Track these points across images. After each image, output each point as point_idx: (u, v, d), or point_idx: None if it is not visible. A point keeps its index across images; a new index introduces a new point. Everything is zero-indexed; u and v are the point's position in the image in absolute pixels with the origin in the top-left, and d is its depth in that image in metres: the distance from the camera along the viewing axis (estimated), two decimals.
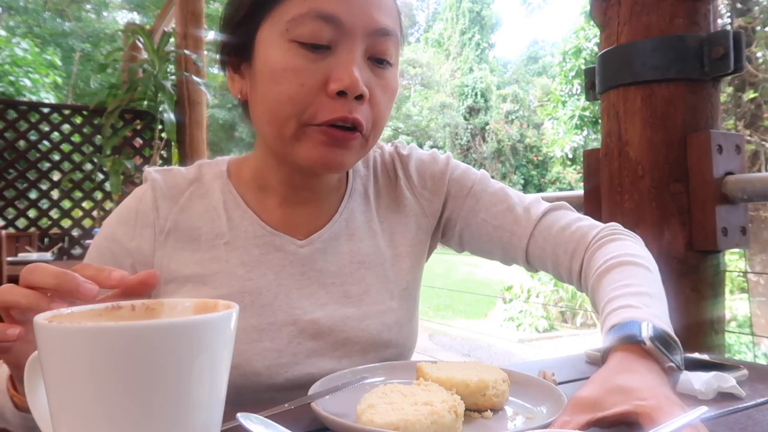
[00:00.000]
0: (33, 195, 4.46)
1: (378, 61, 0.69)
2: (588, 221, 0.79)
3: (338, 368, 0.71)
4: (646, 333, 0.53)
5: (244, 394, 0.70)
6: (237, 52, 0.73)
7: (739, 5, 4.94)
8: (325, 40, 0.65)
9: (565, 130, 9.61)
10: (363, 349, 0.75)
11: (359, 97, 0.66)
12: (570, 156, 10.02)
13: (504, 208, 0.81)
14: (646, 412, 0.45)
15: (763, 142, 4.87)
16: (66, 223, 4.49)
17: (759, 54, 4.99)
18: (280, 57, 0.66)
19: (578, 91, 9.12)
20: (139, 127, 4.48)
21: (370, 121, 0.69)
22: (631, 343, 0.53)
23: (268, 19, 0.68)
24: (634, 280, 0.64)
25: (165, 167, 0.79)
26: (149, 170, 0.77)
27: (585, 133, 9.25)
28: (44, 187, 4.47)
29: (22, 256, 3.35)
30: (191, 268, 0.72)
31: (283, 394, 0.71)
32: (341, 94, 0.65)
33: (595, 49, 8.11)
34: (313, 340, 0.73)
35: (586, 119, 8.99)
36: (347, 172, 0.83)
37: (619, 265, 0.67)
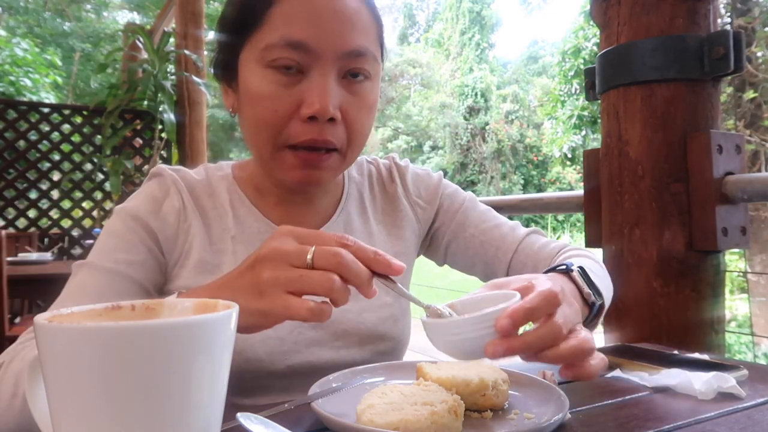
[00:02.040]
0: (33, 195, 4.46)
1: (353, 75, 0.71)
2: (561, 242, 0.88)
3: (337, 358, 0.76)
4: (575, 267, 0.66)
5: (246, 379, 0.72)
6: (225, 71, 0.77)
7: (739, 5, 4.94)
8: (296, 66, 0.68)
9: (564, 130, 9.61)
10: (360, 341, 0.79)
11: (331, 120, 0.69)
12: (569, 156, 10.03)
13: (492, 225, 0.89)
14: (532, 285, 0.54)
15: (763, 142, 4.87)
16: (66, 223, 4.49)
17: (759, 54, 4.99)
18: (257, 82, 0.70)
19: (577, 91, 9.11)
20: (139, 127, 4.48)
21: (344, 139, 0.72)
22: (560, 271, 0.66)
23: (247, 44, 0.71)
24: (585, 262, 0.73)
25: (175, 166, 0.82)
26: (163, 167, 0.81)
27: (583, 132, 9.25)
28: (44, 187, 4.47)
29: (21, 256, 3.34)
30: (201, 254, 0.76)
31: (282, 381, 0.74)
32: (313, 118, 0.68)
33: (595, 48, 8.11)
34: (314, 330, 0.76)
35: (584, 119, 8.98)
36: (343, 177, 0.89)
37: (576, 256, 0.79)
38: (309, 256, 0.50)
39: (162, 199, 0.77)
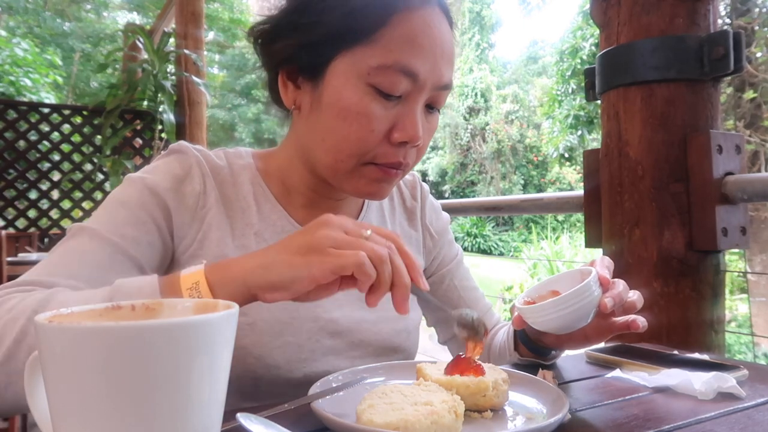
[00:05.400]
0: (33, 195, 4.46)
1: (430, 107, 0.73)
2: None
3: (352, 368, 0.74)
4: None
5: (261, 386, 0.71)
6: (302, 67, 0.72)
7: (739, 5, 4.94)
8: (400, 92, 0.68)
9: (560, 130, 9.62)
10: (375, 352, 0.79)
11: (415, 145, 0.71)
12: (565, 156, 10.05)
13: (473, 286, 0.97)
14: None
15: (763, 142, 4.87)
16: (66, 223, 4.49)
17: (759, 54, 4.99)
18: (357, 99, 0.67)
19: (574, 91, 9.11)
20: (139, 127, 4.48)
21: (414, 160, 0.74)
22: None
23: (347, 53, 0.68)
24: None
25: (197, 146, 0.78)
26: (185, 144, 0.77)
27: (580, 132, 9.25)
28: (44, 187, 4.47)
29: (22, 256, 3.34)
30: (221, 249, 0.73)
31: (297, 389, 0.72)
32: (403, 143, 0.69)
33: (593, 48, 8.11)
34: (331, 338, 0.76)
35: (581, 119, 8.98)
36: None
37: None
38: (368, 232, 0.54)
39: (183, 177, 0.73)
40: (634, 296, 0.68)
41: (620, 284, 0.66)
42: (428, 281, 0.94)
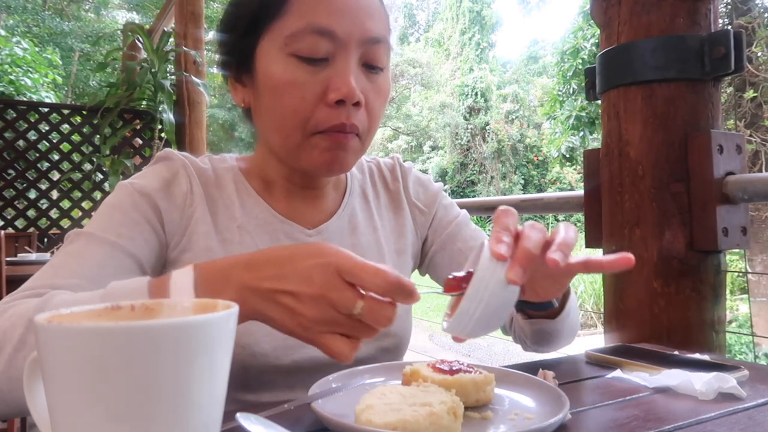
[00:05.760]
0: (32, 195, 4.45)
1: (371, 67, 0.73)
2: None
3: None
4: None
5: (251, 375, 0.72)
6: (238, 65, 0.76)
7: (739, 5, 4.94)
8: (322, 53, 0.69)
9: (562, 131, 9.62)
10: None
11: (356, 104, 0.70)
12: (567, 156, 10.06)
13: (480, 245, 0.88)
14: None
15: (764, 142, 4.87)
16: (65, 223, 4.49)
17: (759, 54, 4.99)
18: (282, 71, 0.70)
19: (576, 92, 9.12)
20: (138, 127, 4.47)
21: (365, 124, 0.74)
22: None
23: (267, 33, 0.71)
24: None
25: (182, 152, 0.82)
26: (172, 151, 0.81)
27: (582, 133, 9.26)
28: (43, 187, 4.47)
29: (21, 256, 3.34)
30: (207, 242, 0.75)
31: (286, 377, 0.74)
32: (340, 102, 0.69)
33: (593, 49, 8.11)
34: None
35: (582, 120, 8.99)
36: (345, 175, 0.90)
37: None
38: (357, 312, 0.50)
39: (171, 180, 0.77)
40: (570, 233, 0.58)
41: (561, 229, 0.58)
42: (430, 252, 0.93)
